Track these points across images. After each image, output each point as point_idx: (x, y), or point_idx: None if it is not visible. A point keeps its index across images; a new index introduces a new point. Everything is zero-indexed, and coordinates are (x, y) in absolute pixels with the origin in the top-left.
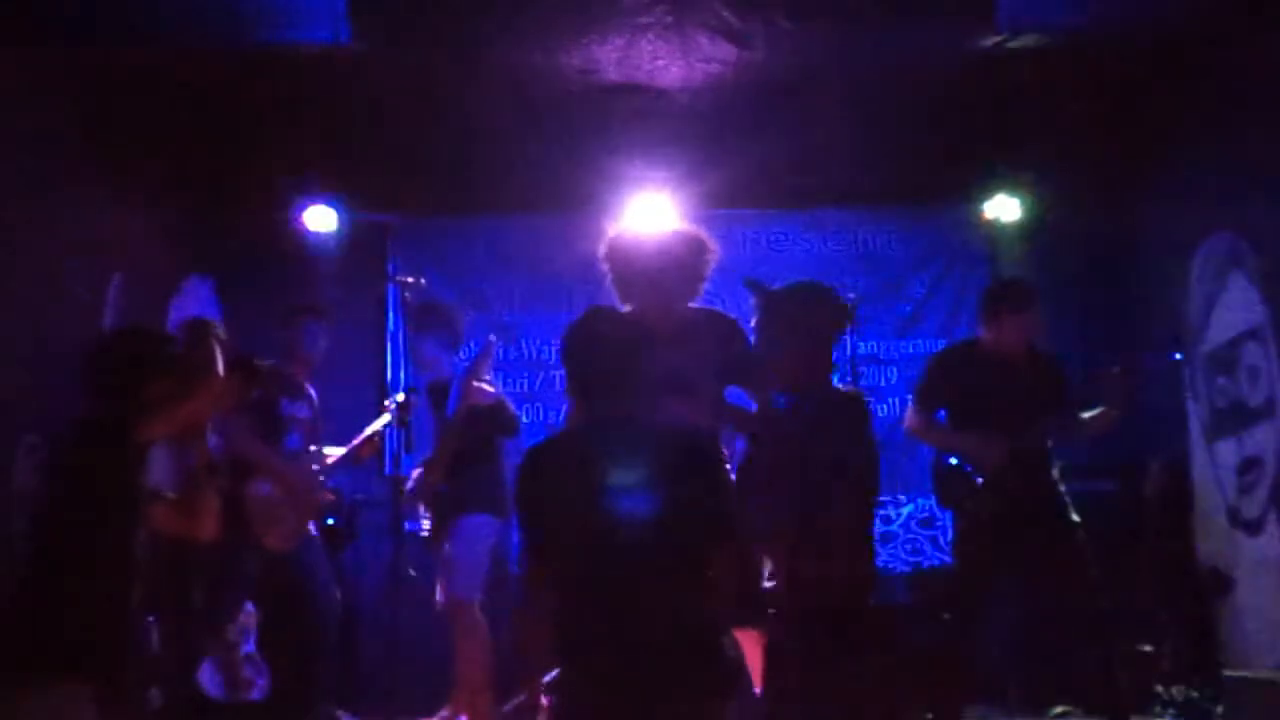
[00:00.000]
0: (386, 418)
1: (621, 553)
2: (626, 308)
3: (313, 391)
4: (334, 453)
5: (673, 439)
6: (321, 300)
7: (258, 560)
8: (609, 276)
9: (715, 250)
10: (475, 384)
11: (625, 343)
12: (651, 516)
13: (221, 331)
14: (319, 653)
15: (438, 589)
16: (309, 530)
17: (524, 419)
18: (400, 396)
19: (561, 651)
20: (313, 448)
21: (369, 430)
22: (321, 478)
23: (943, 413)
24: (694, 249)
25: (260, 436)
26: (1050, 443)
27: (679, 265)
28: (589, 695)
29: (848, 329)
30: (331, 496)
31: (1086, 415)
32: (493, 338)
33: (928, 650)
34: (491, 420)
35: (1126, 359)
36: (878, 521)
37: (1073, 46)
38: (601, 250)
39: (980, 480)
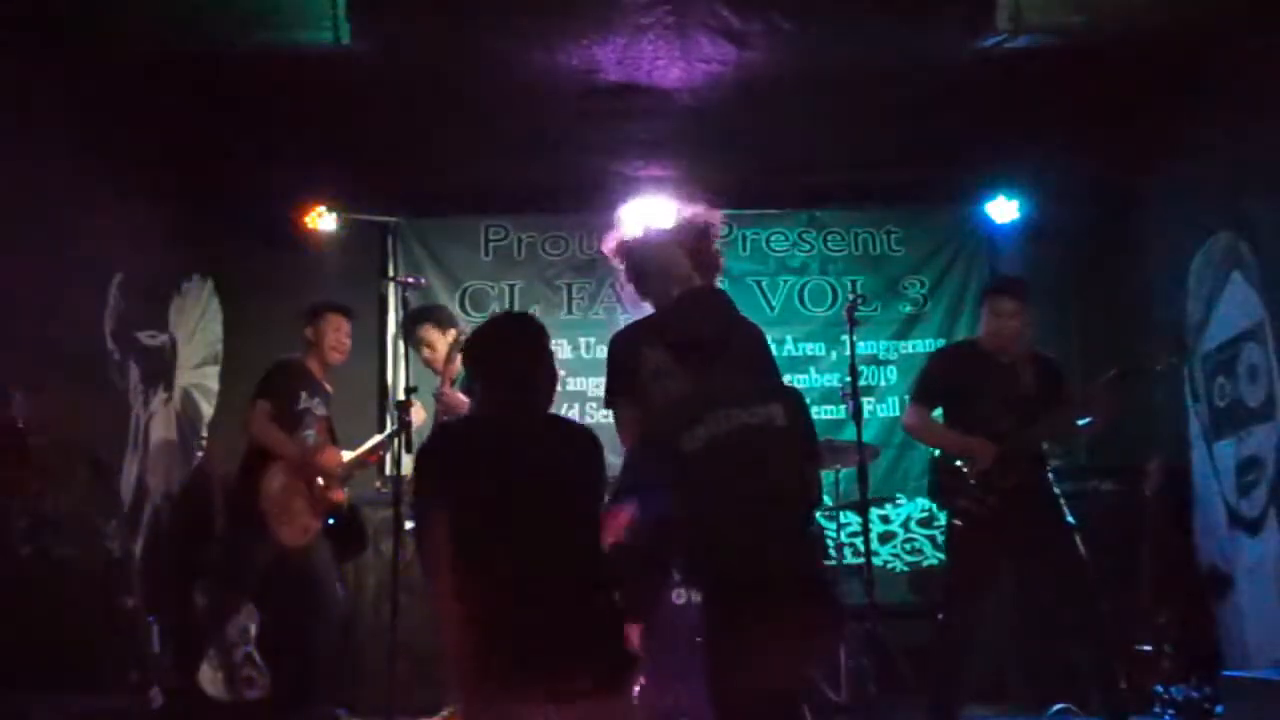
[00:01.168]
0: (392, 429)
1: (519, 535)
2: (646, 305)
3: (328, 388)
4: (345, 455)
5: (564, 429)
6: (326, 297)
7: (268, 554)
8: (623, 276)
9: (718, 226)
10: (448, 391)
11: (525, 344)
12: (547, 500)
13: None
14: (320, 652)
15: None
16: (319, 528)
17: None
18: (400, 396)
19: (470, 631)
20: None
21: (373, 441)
22: (335, 477)
23: (939, 411)
24: (699, 231)
25: (276, 423)
26: (1045, 444)
27: (689, 251)
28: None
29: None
30: (342, 497)
31: (1081, 421)
32: (464, 327)
33: (928, 650)
34: None
35: (1120, 365)
36: (877, 521)
37: (1073, 46)
38: (611, 251)
39: (974, 481)
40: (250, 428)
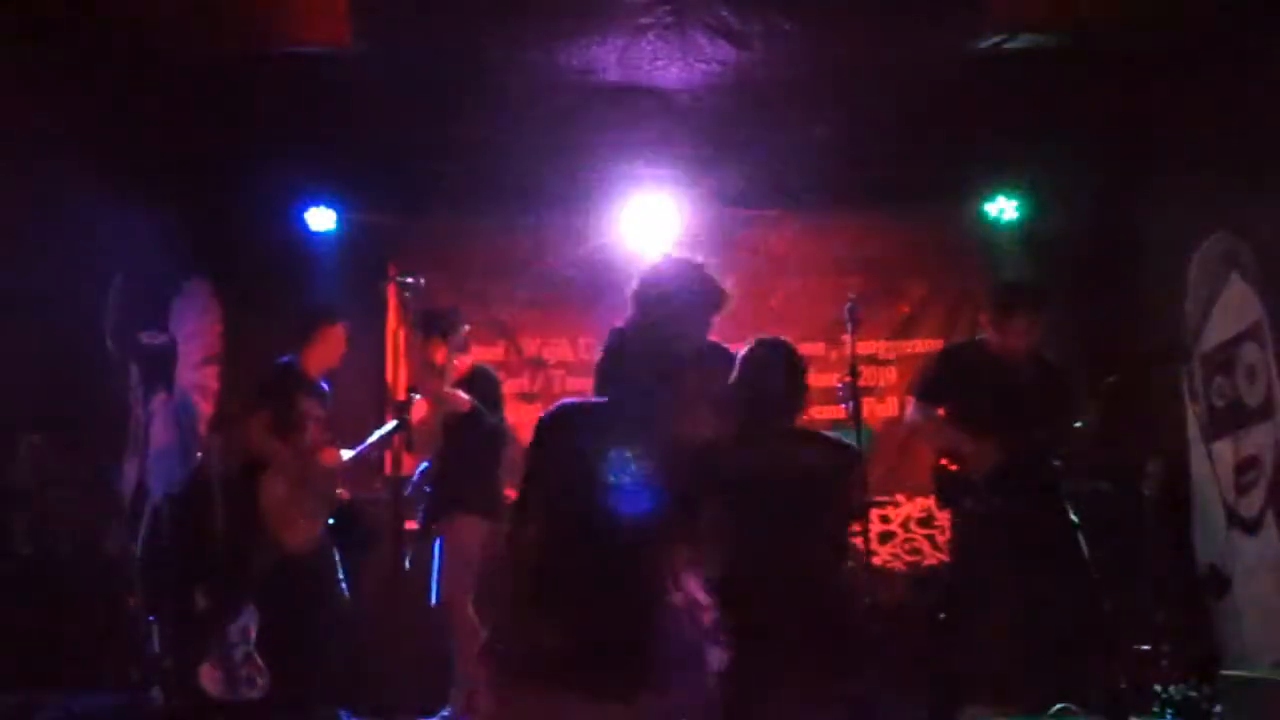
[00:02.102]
0: (394, 424)
1: (612, 528)
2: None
3: (325, 388)
4: (345, 454)
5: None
6: (325, 301)
7: (270, 557)
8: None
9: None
10: (445, 392)
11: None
12: (653, 498)
13: None
14: (322, 652)
15: (432, 590)
16: (322, 529)
17: (523, 419)
18: (400, 396)
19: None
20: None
21: (379, 434)
22: (335, 476)
23: (944, 409)
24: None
25: (275, 434)
26: (1049, 445)
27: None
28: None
29: None
30: (345, 495)
31: (1078, 423)
32: (466, 327)
33: (926, 650)
34: (473, 429)
35: (1121, 372)
36: (876, 521)
37: (1072, 47)
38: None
39: (977, 480)
40: (248, 438)
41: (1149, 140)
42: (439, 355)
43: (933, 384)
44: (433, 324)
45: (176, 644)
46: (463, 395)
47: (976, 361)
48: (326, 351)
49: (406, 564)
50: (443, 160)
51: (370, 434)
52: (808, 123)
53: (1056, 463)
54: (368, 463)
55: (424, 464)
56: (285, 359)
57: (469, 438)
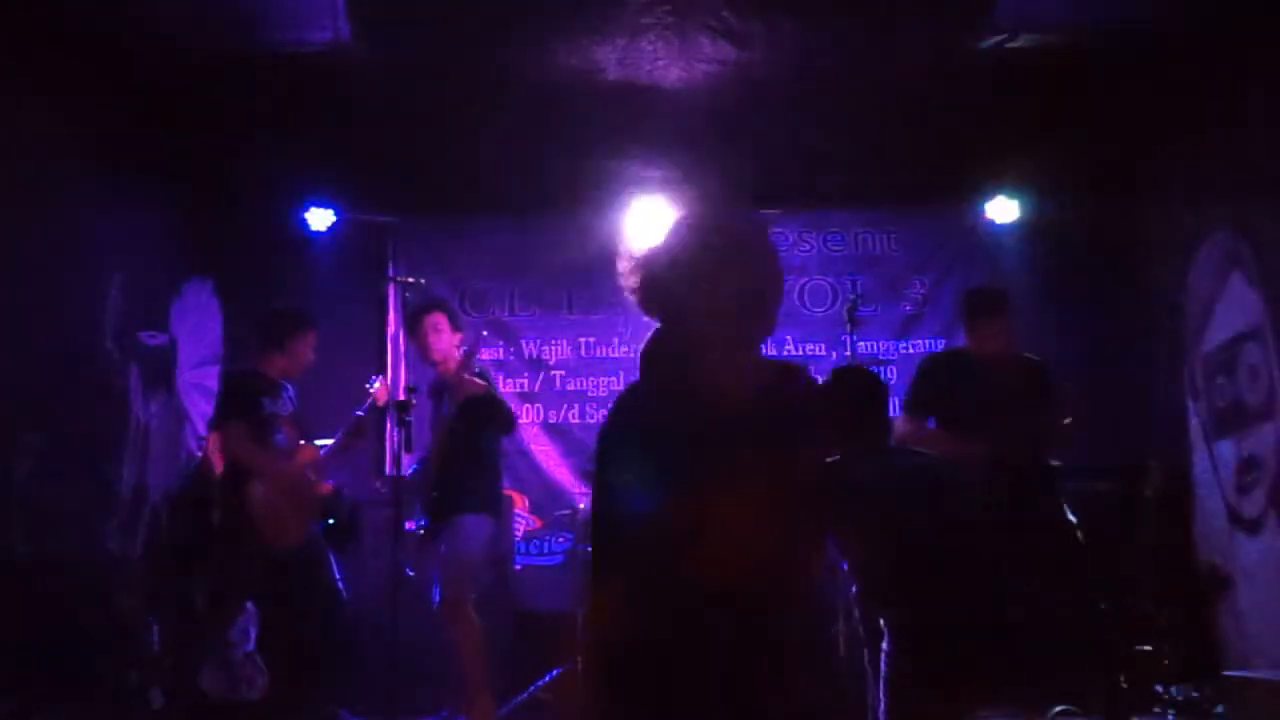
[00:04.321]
0: (369, 400)
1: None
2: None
3: (290, 388)
4: (325, 444)
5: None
6: (321, 301)
7: (264, 559)
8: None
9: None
10: (465, 377)
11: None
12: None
13: None
14: (323, 652)
15: (434, 589)
16: (313, 527)
17: (523, 419)
18: (375, 383)
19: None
20: (316, 442)
21: (347, 428)
22: (317, 471)
23: (933, 418)
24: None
25: (252, 440)
26: (1037, 442)
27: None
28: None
29: None
30: (329, 489)
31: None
32: (484, 332)
33: None
34: (485, 415)
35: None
36: None
37: (1073, 46)
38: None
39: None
40: (231, 450)
41: (1149, 140)
42: (442, 330)
43: (917, 396)
44: (434, 308)
45: (176, 644)
46: (478, 380)
47: (958, 369)
48: (293, 359)
49: (406, 565)
50: (442, 160)
51: (369, 434)
52: (808, 123)
53: (1055, 463)
54: (349, 454)
55: (415, 464)
56: (246, 367)
57: (474, 433)
